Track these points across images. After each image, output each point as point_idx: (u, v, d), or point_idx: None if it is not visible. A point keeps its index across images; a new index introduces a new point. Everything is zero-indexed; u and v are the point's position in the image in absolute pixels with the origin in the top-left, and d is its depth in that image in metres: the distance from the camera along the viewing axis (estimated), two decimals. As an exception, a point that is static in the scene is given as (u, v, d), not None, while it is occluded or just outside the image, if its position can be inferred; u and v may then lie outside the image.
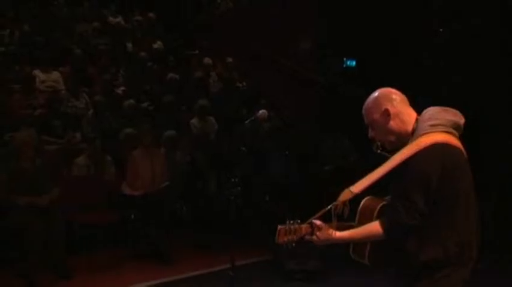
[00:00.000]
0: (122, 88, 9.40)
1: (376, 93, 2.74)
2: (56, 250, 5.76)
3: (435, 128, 2.58)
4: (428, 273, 2.55)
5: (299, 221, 2.73)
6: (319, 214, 2.68)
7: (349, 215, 2.68)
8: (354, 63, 11.12)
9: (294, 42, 10.89)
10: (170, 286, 5.72)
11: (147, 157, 6.83)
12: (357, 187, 2.59)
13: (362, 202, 2.80)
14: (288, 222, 2.70)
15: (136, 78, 9.84)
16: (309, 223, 2.72)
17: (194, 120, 8.59)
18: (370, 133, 2.77)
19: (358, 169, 2.62)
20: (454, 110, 2.70)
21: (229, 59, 11.40)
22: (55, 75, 9.11)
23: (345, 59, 11.02)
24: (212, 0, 14.03)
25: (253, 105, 9.46)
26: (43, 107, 8.01)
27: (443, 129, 2.60)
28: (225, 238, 5.43)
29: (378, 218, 2.64)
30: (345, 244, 2.75)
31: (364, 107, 2.77)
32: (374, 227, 2.59)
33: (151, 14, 12.89)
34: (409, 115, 2.68)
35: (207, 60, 11.15)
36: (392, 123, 2.66)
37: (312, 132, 8.77)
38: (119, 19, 12.39)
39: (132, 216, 6.59)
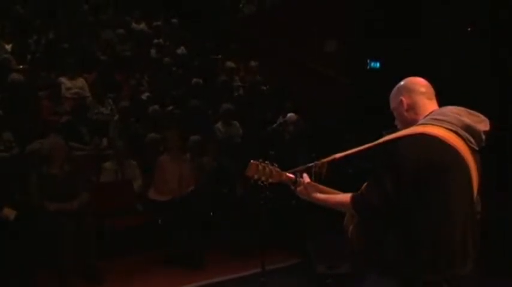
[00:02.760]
0: (147, 94, 9.44)
1: (402, 82, 2.72)
2: (86, 255, 5.78)
3: (438, 122, 2.47)
4: (397, 275, 2.43)
5: (276, 165, 2.90)
6: (302, 168, 2.84)
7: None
8: (378, 65, 11.05)
9: (317, 44, 10.85)
10: (200, 291, 5.71)
11: (174, 162, 6.85)
12: (340, 154, 2.70)
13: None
14: (261, 160, 2.88)
15: (161, 83, 9.88)
16: (293, 173, 2.86)
17: (219, 125, 8.59)
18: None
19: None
20: (478, 116, 2.54)
21: (253, 63, 11.39)
22: (80, 82, 9.18)
23: (368, 60, 10.96)
24: (235, 5, 14.05)
25: (278, 108, 9.44)
26: (69, 113, 8.07)
27: (448, 127, 2.45)
28: (254, 243, 5.40)
29: None
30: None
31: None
32: (346, 197, 2.60)
33: (174, 20, 12.96)
34: (425, 107, 2.61)
35: (230, 63, 11.15)
36: (407, 114, 2.63)
37: (337, 134, 8.68)
38: (143, 25, 12.47)
39: (160, 221, 6.61)
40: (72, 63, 9.28)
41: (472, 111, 2.54)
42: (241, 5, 13.96)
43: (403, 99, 2.64)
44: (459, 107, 2.55)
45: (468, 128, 2.47)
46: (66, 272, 5.61)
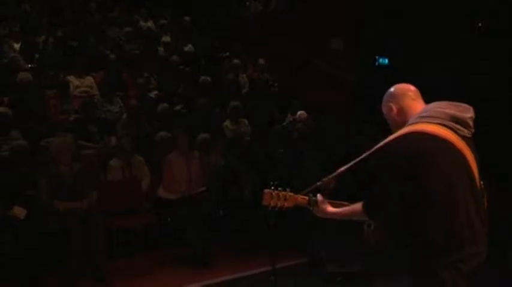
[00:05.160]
0: (155, 92, 9.43)
1: (390, 89, 2.90)
2: (95, 254, 5.78)
3: (423, 119, 2.66)
4: (416, 266, 2.59)
5: (288, 189, 3.02)
6: (312, 188, 3.00)
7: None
8: (386, 61, 11.01)
9: (325, 42, 10.81)
10: (208, 290, 5.69)
11: (182, 160, 6.84)
12: (343, 168, 2.90)
13: None
14: (272, 187, 3.02)
15: (169, 81, 9.86)
16: (306, 195, 3.02)
17: (227, 123, 8.56)
18: None
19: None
20: (461, 105, 2.72)
21: (261, 61, 11.35)
22: (88, 80, 9.18)
23: (377, 57, 10.93)
24: (242, 3, 14.03)
25: (286, 106, 9.39)
26: (78, 112, 8.07)
27: (434, 121, 2.63)
28: (263, 241, 5.36)
29: None
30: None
31: None
32: (358, 205, 2.78)
33: (182, 18, 12.94)
34: (414, 109, 2.78)
35: (236, 61, 11.11)
36: (397, 118, 2.82)
37: (347, 132, 8.65)
38: (150, 23, 12.45)
39: (169, 219, 6.60)
40: (81, 61, 9.27)
41: (455, 103, 2.72)
42: (247, 3, 13.92)
43: (393, 105, 2.84)
44: (442, 102, 2.73)
45: (453, 118, 2.65)
46: (75, 271, 5.61)
